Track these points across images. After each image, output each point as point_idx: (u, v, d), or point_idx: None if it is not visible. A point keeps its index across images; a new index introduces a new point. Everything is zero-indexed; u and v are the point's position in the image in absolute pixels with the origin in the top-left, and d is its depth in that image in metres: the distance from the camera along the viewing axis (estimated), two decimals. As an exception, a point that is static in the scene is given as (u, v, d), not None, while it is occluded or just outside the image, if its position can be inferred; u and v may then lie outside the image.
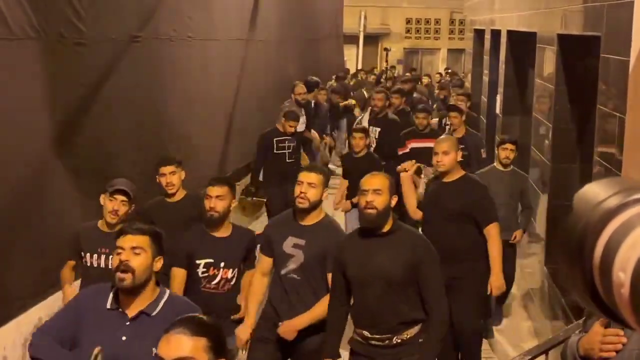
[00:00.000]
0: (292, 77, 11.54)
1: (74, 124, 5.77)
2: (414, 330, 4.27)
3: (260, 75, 11.49)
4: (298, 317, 4.61)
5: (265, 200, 8.77)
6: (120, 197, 4.75)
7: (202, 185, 8.77)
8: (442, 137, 5.97)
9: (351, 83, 16.57)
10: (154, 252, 3.35)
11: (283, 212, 5.03)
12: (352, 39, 24.03)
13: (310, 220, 4.67)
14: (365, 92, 13.99)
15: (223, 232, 4.88)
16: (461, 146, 7.52)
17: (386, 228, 4.30)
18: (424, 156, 7.91)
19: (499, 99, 11.65)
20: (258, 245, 5.00)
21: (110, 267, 4.41)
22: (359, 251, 4.32)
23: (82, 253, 4.78)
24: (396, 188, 4.66)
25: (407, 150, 8.63)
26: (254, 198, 8.81)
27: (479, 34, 15.02)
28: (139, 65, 6.94)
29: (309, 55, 15.26)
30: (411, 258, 4.22)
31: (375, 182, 4.34)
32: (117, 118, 6.41)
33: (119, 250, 3.32)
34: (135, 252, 3.29)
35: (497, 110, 11.73)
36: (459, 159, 5.75)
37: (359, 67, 22.46)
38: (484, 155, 8.97)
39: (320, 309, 4.59)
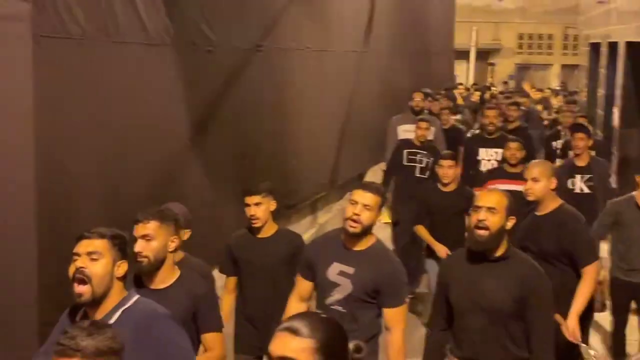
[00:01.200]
0: (404, 90, 11.63)
1: (205, 126, 6.08)
2: None
3: (373, 86, 11.66)
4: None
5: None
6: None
7: (315, 193, 9.09)
8: (533, 161, 5.28)
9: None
10: (115, 256, 3.08)
11: (329, 232, 4.41)
12: (463, 55, 23.96)
13: (361, 245, 4.07)
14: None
15: (160, 283, 3.66)
16: (587, 176, 6.80)
17: (498, 253, 3.82)
18: None
19: (616, 111, 11.46)
20: None
21: None
22: (465, 275, 3.88)
23: None
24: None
25: None
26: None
27: (595, 47, 14.78)
28: (262, 73, 7.24)
29: (420, 69, 15.33)
30: (521, 290, 3.74)
31: (490, 199, 3.84)
32: (243, 122, 6.71)
33: (75, 257, 3.05)
34: (92, 258, 3.04)
35: (614, 124, 11.53)
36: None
37: (470, 82, 22.38)
38: (613, 185, 8.04)
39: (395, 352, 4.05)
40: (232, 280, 4.85)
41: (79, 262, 3.03)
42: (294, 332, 2.26)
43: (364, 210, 3.99)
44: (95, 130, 4.78)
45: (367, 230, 4.04)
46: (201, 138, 6.04)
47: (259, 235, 4.79)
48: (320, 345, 2.23)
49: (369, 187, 4.17)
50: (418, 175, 8.02)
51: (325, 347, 2.24)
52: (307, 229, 8.94)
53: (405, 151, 8.16)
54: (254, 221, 4.73)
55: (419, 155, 8.08)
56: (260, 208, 4.72)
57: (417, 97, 9.73)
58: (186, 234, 4.18)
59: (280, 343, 2.26)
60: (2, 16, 4.11)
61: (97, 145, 4.80)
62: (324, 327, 2.29)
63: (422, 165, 8.02)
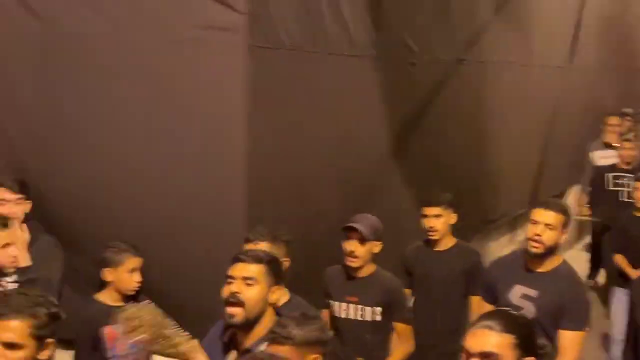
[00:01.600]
0: (610, 108, 11.10)
1: (407, 136, 6.10)
2: None
3: (577, 103, 11.21)
4: None
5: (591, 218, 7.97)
6: (355, 236, 4.13)
7: (514, 210, 8.85)
8: None
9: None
10: (270, 282, 3.00)
11: (511, 252, 4.31)
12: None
13: (545, 266, 3.91)
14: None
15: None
16: None
17: None
18: None
19: None
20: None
21: (360, 318, 4.16)
22: None
23: (331, 300, 4.23)
24: None
25: None
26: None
27: None
28: (463, 87, 7.17)
29: (628, 86, 14.55)
30: None
31: None
32: (442, 136, 6.68)
33: (230, 280, 2.99)
34: (248, 283, 2.96)
35: None
36: None
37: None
38: None
39: None
40: (407, 292, 4.72)
41: (234, 287, 2.96)
42: (492, 328, 2.35)
43: (545, 229, 3.84)
44: (302, 140, 4.89)
45: (551, 251, 3.88)
46: (400, 150, 6.06)
47: (436, 249, 4.70)
48: (519, 341, 2.34)
49: (551, 205, 4.00)
50: (625, 199, 7.56)
51: (523, 342, 2.35)
52: (505, 246, 8.75)
53: (609, 175, 7.81)
54: (431, 233, 4.63)
55: (625, 179, 7.68)
56: (439, 220, 4.62)
57: (612, 122, 9.08)
58: (377, 247, 4.17)
59: (480, 339, 2.35)
60: (219, 27, 4.31)
61: (303, 156, 4.90)
62: (518, 324, 2.40)
63: (629, 190, 7.48)
